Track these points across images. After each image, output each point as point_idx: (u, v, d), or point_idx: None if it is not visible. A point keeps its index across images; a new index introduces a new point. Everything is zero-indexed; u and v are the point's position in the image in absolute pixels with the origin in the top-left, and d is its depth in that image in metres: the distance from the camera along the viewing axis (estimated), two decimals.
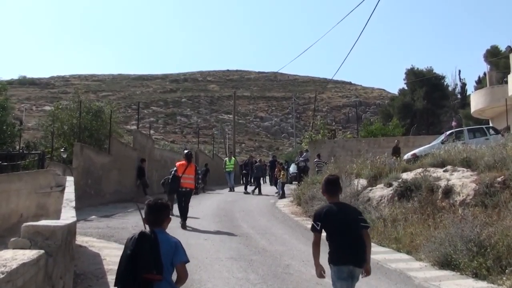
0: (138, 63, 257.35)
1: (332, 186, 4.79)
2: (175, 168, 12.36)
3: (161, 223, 3.67)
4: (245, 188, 22.73)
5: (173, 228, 12.02)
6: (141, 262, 3.44)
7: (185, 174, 12.10)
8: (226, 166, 23.67)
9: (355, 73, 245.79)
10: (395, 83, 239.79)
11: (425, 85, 44.96)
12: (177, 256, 3.57)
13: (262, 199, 20.01)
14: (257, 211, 15.70)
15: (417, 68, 48.67)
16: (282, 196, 19.98)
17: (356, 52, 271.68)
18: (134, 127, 44.07)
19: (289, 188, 22.01)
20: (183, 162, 12.34)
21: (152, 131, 54.69)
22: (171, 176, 12.48)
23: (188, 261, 3.61)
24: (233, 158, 24.60)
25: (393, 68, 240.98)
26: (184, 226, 11.66)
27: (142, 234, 3.55)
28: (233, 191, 22.72)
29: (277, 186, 21.56)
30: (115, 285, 3.55)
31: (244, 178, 25.75)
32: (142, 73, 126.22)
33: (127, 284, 3.44)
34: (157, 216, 3.67)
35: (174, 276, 3.65)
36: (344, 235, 4.49)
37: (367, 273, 4.52)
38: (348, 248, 4.45)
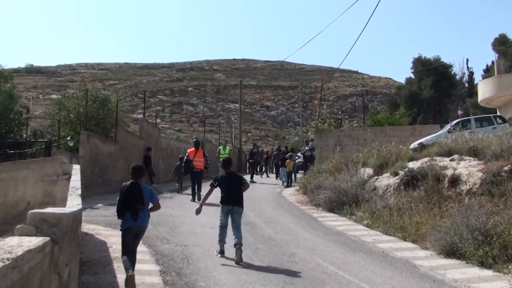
0: (144, 52, 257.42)
1: (227, 164, 8.88)
2: (187, 154, 15.70)
3: (141, 176, 6.85)
4: (251, 177, 22.70)
5: (185, 207, 12.04)
6: (132, 198, 6.52)
7: (195, 157, 15.21)
8: (221, 155, 21.23)
9: (361, 62, 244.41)
10: (402, 72, 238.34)
11: (432, 74, 44.62)
12: (154, 196, 6.85)
13: (268, 188, 20.03)
14: (263, 200, 15.73)
15: (424, 57, 48.25)
16: (289, 184, 20.01)
17: (363, 40, 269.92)
18: (141, 116, 44.13)
19: (296, 177, 22.03)
20: (193, 149, 15.55)
21: (158, 120, 54.74)
22: (184, 161, 15.78)
23: (158, 199, 7.03)
24: (228, 147, 22.65)
25: (400, 57, 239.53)
26: (194, 199, 14.41)
27: (132, 182, 6.67)
28: None
29: (281, 176, 21.61)
30: (117, 215, 6.57)
31: (250, 168, 25.66)
32: (148, 62, 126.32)
33: (125, 211, 6.46)
34: (138, 173, 6.85)
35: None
36: (229, 189, 8.25)
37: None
38: (230, 196, 8.20)
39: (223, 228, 8.13)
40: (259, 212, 12.97)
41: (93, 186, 15.40)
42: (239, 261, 7.50)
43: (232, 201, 8.16)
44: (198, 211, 8.41)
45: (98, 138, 17.06)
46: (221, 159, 21.32)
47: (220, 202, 8.29)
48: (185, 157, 15.88)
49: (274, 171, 26.30)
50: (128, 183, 6.68)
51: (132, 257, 6.27)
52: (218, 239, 8.12)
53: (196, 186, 14.83)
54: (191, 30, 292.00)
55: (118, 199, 6.60)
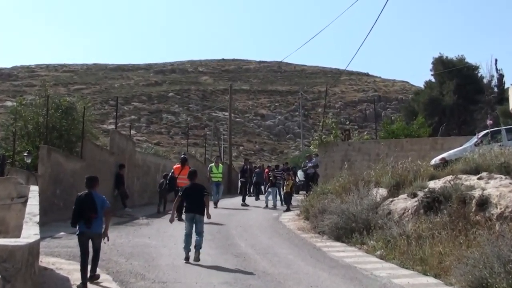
0: (116, 51, 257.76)
1: (191, 175, 11.28)
2: (172, 171, 17.74)
3: (94, 186, 8.75)
4: (243, 200, 22.63)
5: (168, 229, 11.99)
6: (86, 207, 8.46)
7: (180, 175, 16.77)
8: (213, 175, 21.07)
9: (373, 63, 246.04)
10: (420, 75, 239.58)
11: (456, 77, 44.87)
12: (105, 204, 8.68)
13: (263, 212, 19.98)
14: (257, 227, 15.67)
15: (446, 57, 48.50)
16: (287, 209, 20.02)
17: (374, 38, 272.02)
18: (112, 126, 44.06)
19: (296, 199, 22.00)
20: (179, 165, 17.54)
21: (133, 132, 54.70)
22: (169, 177, 17.81)
23: (110, 206, 9.05)
24: (221, 164, 22.28)
25: (417, 57, 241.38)
26: (180, 219, 14.82)
27: (86, 193, 8.66)
28: (217, 206, 20.35)
29: (265, 198, 21.99)
30: (71, 224, 8.61)
31: (242, 188, 25.59)
32: (122, 62, 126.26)
33: (79, 220, 8.47)
34: (91, 183, 8.75)
35: None
36: (191, 198, 10.79)
37: (208, 217, 10.90)
38: (193, 205, 10.72)
39: (187, 236, 10.53)
40: (252, 241, 12.91)
41: (54, 211, 15.26)
42: (197, 260, 10.02)
43: (194, 209, 10.70)
44: (171, 220, 11.30)
45: (61, 154, 16.96)
46: (214, 181, 21.38)
47: (184, 211, 11.12)
48: (170, 174, 17.91)
49: (253, 191, 26.37)
50: (82, 193, 8.70)
51: (93, 259, 8.55)
52: (183, 245, 10.44)
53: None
54: (172, 25, 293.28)
55: (73, 208, 8.65)
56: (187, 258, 10.19)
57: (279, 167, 25.46)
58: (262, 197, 23.82)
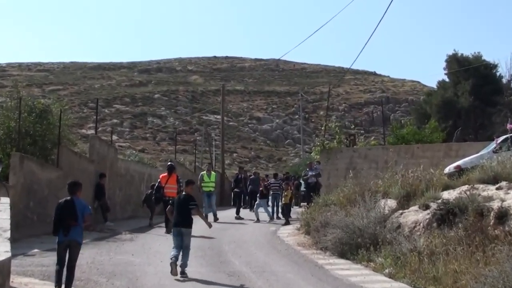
0: (97, 48, 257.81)
1: (187, 184, 11.77)
2: (158, 180, 18.17)
3: (75, 192, 9.12)
4: (237, 212, 22.64)
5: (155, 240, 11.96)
6: (66, 214, 8.82)
7: (167, 184, 17.46)
8: (204, 184, 21.25)
9: (380, 61, 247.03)
10: (432, 74, 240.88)
11: (472, 76, 45.01)
12: (86, 210, 9.06)
13: (260, 226, 19.98)
14: (252, 242, 15.66)
15: (462, 54, 48.71)
16: (286, 222, 20.04)
17: (382, 33, 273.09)
18: (92, 131, 43.98)
19: (296, 212, 22.01)
20: (165, 174, 17.93)
21: (115, 137, 54.57)
22: (155, 188, 18.25)
23: (91, 212, 9.46)
24: (213, 172, 22.50)
25: (430, 55, 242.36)
26: (168, 232, 15.72)
27: (66, 199, 9.02)
28: (213, 220, 19.87)
29: (255, 210, 21.99)
30: (52, 233, 8.98)
31: (236, 199, 25.59)
32: (102, 60, 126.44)
33: (59, 228, 8.80)
34: (73, 189, 9.17)
35: None
36: (178, 210, 11.27)
37: (209, 226, 11.97)
38: (179, 217, 11.18)
39: (175, 251, 10.94)
40: (247, 258, 12.91)
41: (27, 225, 15.21)
42: (174, 274, 10.50)
43: (179, 222, 11.16)
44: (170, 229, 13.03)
45: (35, 162, 16.92)
46: (205, 191, 21.38)
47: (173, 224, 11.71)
48: (157, 184, 18.25)
49: (248, 202, 26.52)
50: (63, 200, 9.09)
51: (67, 272, 8.76)
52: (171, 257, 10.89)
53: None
54: (159, 19, 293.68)
55: (54, 215, 9.07)
56: (172, 264, 10.69)
57: (277, 176, 25.51)
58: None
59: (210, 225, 11.95)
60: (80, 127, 65.63)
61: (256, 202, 22.69)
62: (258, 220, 21.10)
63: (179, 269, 10.57)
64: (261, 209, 21.73)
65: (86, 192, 19.07)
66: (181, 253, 10.87)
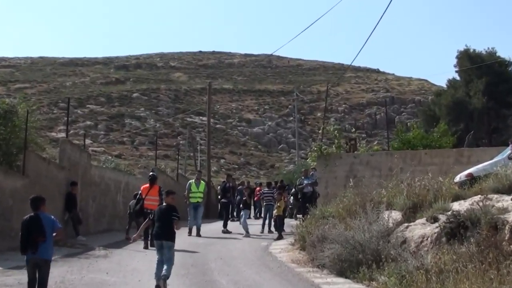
0: (68, 42, 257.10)
1: (167, 194, 12.07)
2: (139, 191, 18.47)
3: (40, 207, 9.35)
4: (225, 225, 22.58)
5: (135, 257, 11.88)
6: (33, 231, 9.08)
7: (148, 195, 17.81)
8: (192, 195, 21.13)
9: (384, 57, 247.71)
10: (442, 72, 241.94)
11: (486, 74, 45.20)
12: (55, 225, 9.39)
13: (250, 241, 19.95)
14: (241, 259, 15.62)
15: (474, 50, 48.98)
16: (279, 236, 20.00)
17: (386, 27, 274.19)
18: (62, 135, 43.83)
19: (290, 225, 21.99)
20: (147, 185, 18.17)
21: (88, 141, 54.52)
22: (136, 199, 18.66)
23: (61, 227, 9.84)
24: (202, 182, 22.42)
25: (439, 50, 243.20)
26: (147, 246, 16.74)
27: (31, 216, 9.24)
28: (196, 234, 20.47)
29: (242, 222, 21.81)
30: (20, 252, 9.26)
31: (223, 210, 25.53)
32: (75, 55, 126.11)
33: (26, 245, 9.08)
34: (36, 204, 9.38)
35: None
36: (159, 222, 11.60)
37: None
38: (159, 230, 11.49)
39: (159, 263, 11.33)
40: (235, 277, 12.88)
41: None
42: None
43: (160, 235, 11.49)
44: (134, 239, 12.81)
45: None
46: (192, 202, 21.29)
47: (153, 237, 12.50)
48: (138, 195, 18.59)
49: (236, 214, 26.65)
50: (27, 217, 9.33)
51: None
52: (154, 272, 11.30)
53: (149, 230, 15.50)
54: (138, 10, 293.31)
55: (20, 233, 9.33)
56: (157, 287, 10.96)
57: (271, 184, 25.48)
58: (248, 221, 23.78)
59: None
60: (50, 130, 65.47)
61: (243, 211, 22.31)
62: (248, 234, 21.04)
63: (161, 282, 10.86)
64: (253, 221, 21.71)
65: (56, 203, 19.04)
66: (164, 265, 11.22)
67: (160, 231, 11.47)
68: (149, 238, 16.54)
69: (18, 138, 19.67)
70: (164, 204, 12.13)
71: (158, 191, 17.82)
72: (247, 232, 21.09)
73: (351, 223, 14.51)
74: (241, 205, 22.87)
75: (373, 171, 22.91)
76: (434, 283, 10.42)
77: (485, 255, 10.39)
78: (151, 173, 20.18)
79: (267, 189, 23.75)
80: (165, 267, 11.09)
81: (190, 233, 20.48)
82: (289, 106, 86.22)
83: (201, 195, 21.47)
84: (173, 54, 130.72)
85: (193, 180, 21.93)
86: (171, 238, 11.43)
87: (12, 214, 16.60)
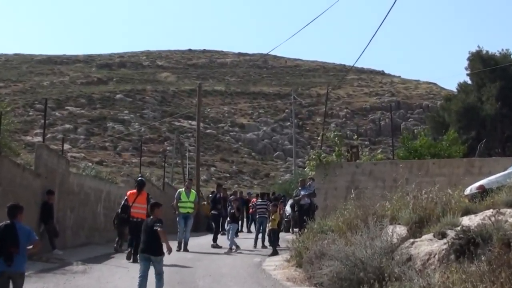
0: (46, 39, 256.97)
1: (152, 207, 12.27)
2: (125, 198, 18.40)
3: (16, 215, 9.51)
4: (214, 239, 22.54)
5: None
6: (7, 241, 9.13)
7: (135, 203, 17.57)
8: (182, 205, 21.15)
9: (390, 59, 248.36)
10: (452, 75, 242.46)
11: (499, 78, 45.32)
12: (32, 237, 9.58)
13: (242, 257, 19.93)
14: (232, 276, 15.60)
15: (487, 52, 49.08)
16: (273, 252, 19.99)
17: (392, 26, 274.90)
18: (39, 139, 43.74)
19: (285, 239, 21.99)
20: (134, 191, 18.07)
21: (67, 146, 54.41)
22: (121, 207, 18.62)
23: (38, 239, 10.01)
24: (193, 191, 22.48)
25: (449, 52, 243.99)
26: (135, 259, 16.20)
27: (5, 224, 9.37)
28: (183, 249, 20.54)
29: (229, 236, 21.74)
30: None
31: (213, 222, 25.48)
32: (53, 53, 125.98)
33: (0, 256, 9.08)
34: (13, 212, 9.52)
35: None
36: (144, 235, 11.66)
37: (168, 251, 11.48)
38: (144, 243, 11.62)
39: (142, 278, 11.50)
40: None
41: None
42: None
43: (147, 249, 11.61)
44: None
45: None
46: (182, 212, 21.17)
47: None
48: (123, 202, 18.66)
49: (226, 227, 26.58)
50: (2, 224, 9.44)
51: None
52: None
53: (135, 238, 16.10)
54: (123, 5, 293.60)
55: None
56: None
57: (265, 195, 25.49)
58: (240, 235, 23.80)
59: (170, 250, 11.66)
60: (25, 134, 65.37)
61: (228, 227, 22.21)
62: (237, 248, 21.00)
63: None
64: (245, 234, 21.68)
65: (31, 213, 18.96)
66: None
67: (146, 245, 11.60)
68: (133, 249, 16.87)
69: None
70: (150, 217, 12.18)
71: (147, 198, 17.65)
72: (237, 247, 21.03)
73: (352, 238, 14.50)
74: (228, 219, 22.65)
75: (377, 181, 22.94)
76: None
77: (497, 274, 10.40)
78: (139, 178, 20.47)
79: (260, 200, 23.73)
80: (156, 282, 11.38)
81: (179, 247, 20.28)
82: (286, 110, 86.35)
83: (192, 205, 21.26)
84: (160, 52, 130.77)
85: (183, 189, 21.78)
86: (158, 252, 11.54)
87: None
